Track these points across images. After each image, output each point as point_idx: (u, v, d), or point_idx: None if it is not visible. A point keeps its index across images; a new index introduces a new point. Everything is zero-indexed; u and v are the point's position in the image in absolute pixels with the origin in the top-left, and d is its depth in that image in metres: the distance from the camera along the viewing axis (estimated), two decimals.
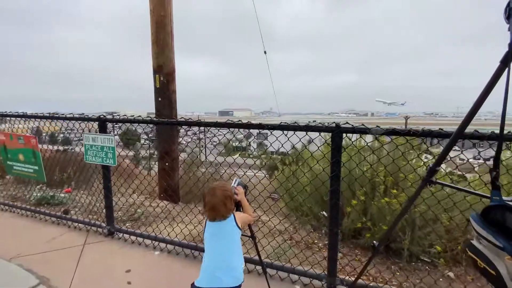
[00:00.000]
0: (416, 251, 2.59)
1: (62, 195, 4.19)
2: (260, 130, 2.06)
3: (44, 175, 2.98)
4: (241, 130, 2.15)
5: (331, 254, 1.98)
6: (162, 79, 5.42)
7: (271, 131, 2.02)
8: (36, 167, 2.98)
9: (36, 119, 3.06)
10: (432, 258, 2.60)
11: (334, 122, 1.84)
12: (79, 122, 2.72)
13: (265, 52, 10.40)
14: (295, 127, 1.92)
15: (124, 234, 2.75)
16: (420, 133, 1.66)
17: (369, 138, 1.95)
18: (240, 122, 2.11)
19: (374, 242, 1.64)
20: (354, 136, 2.42)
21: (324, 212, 3.29)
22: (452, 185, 1.38)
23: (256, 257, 2.04)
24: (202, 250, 2.28)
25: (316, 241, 3.12)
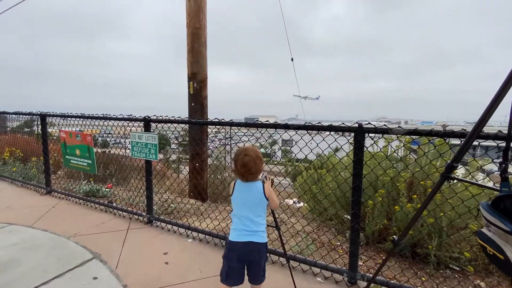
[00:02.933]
0: (444, 257, 2.54)
1: (105, 189, 4.69)
2: (283, 137, 2.24)
3: (96, 168, 3.43)
4: (267, 136, 2.35)
5: (353, 248, 2.07)
6: (195, 85, 5.86)
7: (295, 133, 2.19)
8: (90, 161, 3.44)
9: (88, 119, 3.55)
10: (462, 266, 2.53)
11: (356, 122, 1.96)
12: (127, 122, 3.13)
13: (292, 59, 10.59)
14: (318, 127, 2.07)
15: (161, 223, 3.07)
16: (442, 133, 1.72)
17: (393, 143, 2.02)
18: (267, 122, 2.33)
19: (394, 236, 1.71)
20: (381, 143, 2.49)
21: (348, 216, 3.33)
22: (467, 180, 1.44)
23: (280, 249, 2.19)
24: (220, 237, 2.49)
25: (339, 243, 3.17)
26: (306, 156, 2.50)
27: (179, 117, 2.88)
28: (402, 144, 2.76)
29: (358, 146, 1.95)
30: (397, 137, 2.01)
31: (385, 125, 1.95)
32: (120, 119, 3.18)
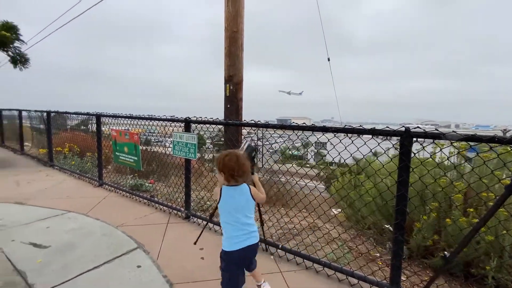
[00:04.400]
0: (505, 281, 2.23)
1: (147, 184, 5.05)
2: (320, 140, 2.17)
3: (141, 165, 3.70)
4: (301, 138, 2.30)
5: (395, 262, 1.93)
6: (231, 88, 6.01)
7: (333, 136, 2.11)
8: (136, 158, 3.73)
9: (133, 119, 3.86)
10: None
11: (403, 126, 1.83)
12: (169, 122, 3.33)
13: (328, 59, 10.28)
14: (360, 131, 1.97)
15: (198, 219, 3.20)
16: (507, 140, 1.51)
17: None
18: (304, 124, 2.28)
19: (445, 252, 1.55)
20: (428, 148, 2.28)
21: (389, 226, 3.11)
22: None
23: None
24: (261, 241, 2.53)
25: (378, 254, 2.98)
26: (344, 160, 2.39)
27: (217, 118, 2.98)
28: (456, 151, 2.50)
29: (405, 151, 1.81)
30: (451, 143, 1.82)
31: (436, 129, 1.78)
32: (163, 120, 3.40)
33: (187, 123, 3.11)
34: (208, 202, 4.34)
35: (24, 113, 7.26)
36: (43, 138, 6.39)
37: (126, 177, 5.14)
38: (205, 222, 3.12)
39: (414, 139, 1.81)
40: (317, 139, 2.52)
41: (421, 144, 1.89)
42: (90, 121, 5.48)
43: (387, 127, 1.91)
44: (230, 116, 6.21)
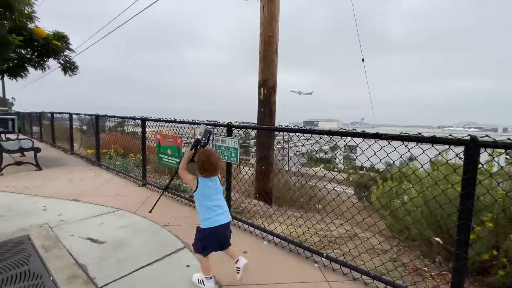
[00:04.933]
0: None
1: (185, 184, 5.26)
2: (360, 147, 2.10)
3: None
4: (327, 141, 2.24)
5: (457, 279, 1.80)
6: (265, 92, 6.06)
7: (374, 141, 2.03)
8: (179, 160, 3.90)
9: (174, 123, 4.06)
10: None
11: (469, 135, 1.71)
12: (213, 127, 3.45)
13: (363, 60, 9.95)
14: (418, 138, 1.88)
15: (238, 222, 3.26)
16: None
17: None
18: (343, 130, 2.22)
19: None
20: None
21: (438, 239, 2.92)
22: None
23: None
24: (296, 244, 2.54)
25: (426, 268, 2.81)
26: (392, 163, 2.29)
27: (253, 123, 3.02)
28: None
29: (471, 162, 1.69)
30: None
31: (509, 139, 1.64)
32: (206, 124, 3.52)
33: (229, 128, 3.20)
34: (242, 204, 4.41)
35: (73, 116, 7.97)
36: (91, 139, 6.95)
37: (163, 177, 5.41)
38: (245, 226, 3.17)
39: (482, 149, 1.69)
40: (357, 145, 2.43)
41: (490, 155, 1.75)
42: (126, 124, 5.84)
43: (450, 135, 1.79)
44: (263, 120, 6.26)
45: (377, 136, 2.06)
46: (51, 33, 8.50)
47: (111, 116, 5.75)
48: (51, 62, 9.18)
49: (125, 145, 6.65)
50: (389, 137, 1.99)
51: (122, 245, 2.75)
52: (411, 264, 2.78)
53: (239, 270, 2.09)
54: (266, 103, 6.11)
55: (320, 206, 4.91)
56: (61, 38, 8.92)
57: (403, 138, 1.94)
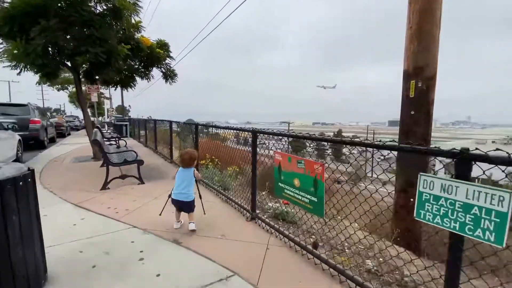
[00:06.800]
0: None
1: (291, 210, 3.86)
2: None
3: (324, 210, 2.41)
4: None
5: None
6: (419, 85, 4.04)
7: None
8: (315, 199, 2.47)
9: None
10: None
11: None
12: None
13: None
14: None
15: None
16: None
17: None
18: None
19: None
20: None
21: None
22: None
23: None
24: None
25: None
26: None
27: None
28: None
29: None
30: None
31: None
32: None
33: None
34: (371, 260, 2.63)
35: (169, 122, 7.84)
36: (188, 146, 6.44)
37: (270, 199, 4.16)
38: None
39: None
40: None
41: None
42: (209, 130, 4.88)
43: None
44: (413, 127, 4.25)
45: None
46: (154, 42, 8.67)
47: (213, 126, 4.93)
48: (153, 72, 9.40)
49: (221, 155, 5.82)
50: None
51: None
52: None
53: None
54: (421, 103, 4.11)
55: None
56: (163, 46, 9.02)
57: None
